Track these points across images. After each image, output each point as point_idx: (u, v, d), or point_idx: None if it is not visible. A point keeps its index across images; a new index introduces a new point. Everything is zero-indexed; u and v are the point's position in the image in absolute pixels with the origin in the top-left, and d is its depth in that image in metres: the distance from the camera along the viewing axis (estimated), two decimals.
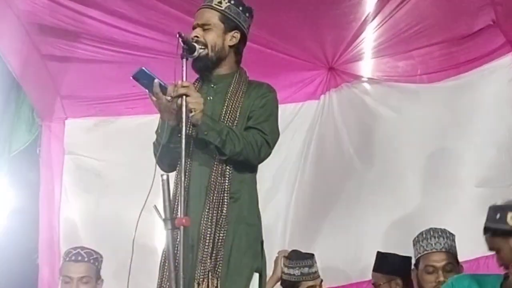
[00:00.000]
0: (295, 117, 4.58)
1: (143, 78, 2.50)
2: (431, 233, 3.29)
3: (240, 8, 2.74)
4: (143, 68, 2.50)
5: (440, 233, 3.29)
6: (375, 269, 3.72)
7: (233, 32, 2.72)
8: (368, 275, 3.92)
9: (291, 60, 4.33)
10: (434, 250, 3.24)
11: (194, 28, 2.70)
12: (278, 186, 4.53)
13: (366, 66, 4.51)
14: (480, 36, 4.13)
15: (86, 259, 3.46)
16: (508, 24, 3.95)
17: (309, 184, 4.52)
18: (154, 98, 2.54)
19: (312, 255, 3.80)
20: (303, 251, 3.87)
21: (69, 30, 3.99)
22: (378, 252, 3.74)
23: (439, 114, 4.36)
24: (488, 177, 4.13)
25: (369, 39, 4.24)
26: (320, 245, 4.34)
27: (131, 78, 2.49)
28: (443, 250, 3.24)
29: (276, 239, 4.39)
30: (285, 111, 4.46)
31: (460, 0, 3.94)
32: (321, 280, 3.81)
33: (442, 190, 4.24)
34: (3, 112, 4.47)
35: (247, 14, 2.77)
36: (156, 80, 2.49)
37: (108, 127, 4.67)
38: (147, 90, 2.53)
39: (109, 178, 4.59)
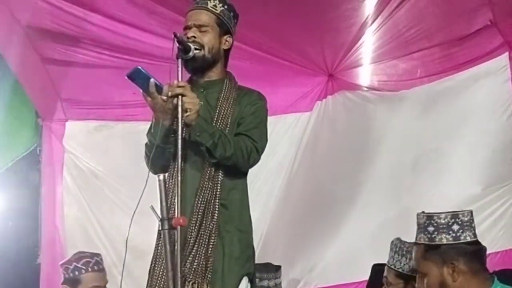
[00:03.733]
0: (296, 127, 4.60)
1: (139, 78, 2.47)
2: None
3: (232, 14, 2.74)
4: (139, 67, 2.47)
5: None
6: (370, 284, 3.68)
7: (226, 36, 2.72)
8: (362, 275, 3.92)
9: (291, 66, 4.34)
10: None
11: (188, 28, 2.67)
12: (274, 190, 4.54)
13: (366, 71, 4.53)
14: (478, 36, 4.14)
15: (102, 266, 3.43)
16: (505, 24, 3.96)
17: (304, 188, 4.53)
18: (149, 98, 2.52)
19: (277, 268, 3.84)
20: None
21: (70, 35, 3.99)
22: (374, 265, 3.68)
23: (434, 115, 4.38)
24: (482, 178, 4.16)
25: (368, 43, 4.26)
26: (314, 245, 4.38)
27: (126, 77, 2.46)
28: None
29: (271, 240, 4.40)
30: (285, 119, 4.52)
31: (457, 0, 3.95)
32: None
33: (437, 191, 4.26)
34: (5, 113, 4.48)
35: (235, 20, 2.78)
36: (152, 80, 2.46)
37: (108, 131, 4.68)
38: (141, 90, 2.51)
39: (106, 181, 4.60)
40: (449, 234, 2.26)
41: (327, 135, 4.55)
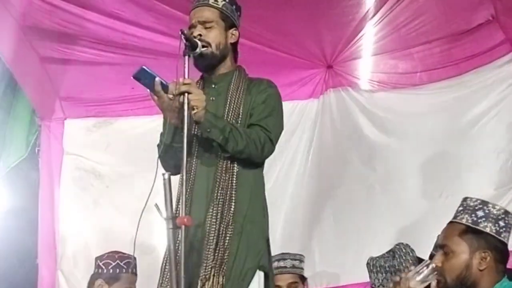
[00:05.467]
0: (293, 116, 4.54)
1: (144, 78, 2.46)
2: None
3: (234, 6, 2.74)
4: (144, 67, 2.46)
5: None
6: None
7: (232, 29, 2.72)
8: None
9: (289, 58, 4.31)
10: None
11: (193, 26, 2.66)
12: (276, 186, 4.47)
13: (366, 64, 4.49)
14: (479, 32, 4.11)
15: (136, 270, 3.44)
16: (508, 21, 3.93)
17: (308, 184, 4.50)
18: (155, 98, 2.50)
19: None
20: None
21: (67, 33, 3.98)
22: None
23: (440, 118, 4.34)
24: (489, 181, 4.12)
25: (368, 35, 4.23)
26: (321, 246, 4.35)
27: (132, 78, 2.45)
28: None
29: (276, 240, 4.36)
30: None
31: None
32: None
33: (443, 193, 4.22)
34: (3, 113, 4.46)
35: (238, 13, 2.78)
36: (157, 79, 2.45)
37: (108, 128, 4.64)
38: (148, 90, 2.50)
39: (108, 179, 4.56)
40: (495, 226, 2.29)
41: (330, 129, 4.53)
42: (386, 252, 3.38)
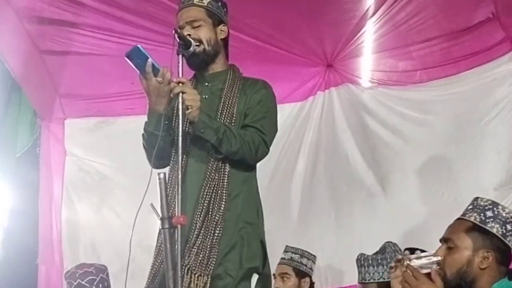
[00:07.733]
0: (293, 117, 4.55)
1: (137, 57, 2.42)
2: None
3: (219, 3, 2.73)
4: (138, 46, 2.43)
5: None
6: None
7: (220, 26, 2.71)
8: None
9: (289, 56, 4.29)
10: None
11: (181, 27, 2.62)
12: (276, 186, 4.49)
13: (365, 63, 4.47)
14: (479, 30, 4.07)
15: (107, 283, 3.41)
16: (508, 20, 3.90)
17: (308, 184, 4.49)
18: (144, 81, 2.47)
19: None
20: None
21: (67, 21, 3.95)
22: None
23: (440, 117, 4.32)
24: (491, 181, 4.09)
25: (368, 33, 4.21)
26: (321, 246, 4.33)
27: (125, 57, 2.41)
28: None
29: (276, 239, 4.35)
30: (283, 110, 4.45)
31: None
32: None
33: (445, 193, 4.20)
34: (4, 113, 4.45)
35: (225, 9, 2.76)
36: (149, 60, 2.43)
37: (108, 128, 4.65)
38: (138, 72, 2.46)
39: (110, 179, 4.58)
40: (502, 228, 2.28)
41: (331, 128, 4.51)
42: (376, 252, 3.40)
